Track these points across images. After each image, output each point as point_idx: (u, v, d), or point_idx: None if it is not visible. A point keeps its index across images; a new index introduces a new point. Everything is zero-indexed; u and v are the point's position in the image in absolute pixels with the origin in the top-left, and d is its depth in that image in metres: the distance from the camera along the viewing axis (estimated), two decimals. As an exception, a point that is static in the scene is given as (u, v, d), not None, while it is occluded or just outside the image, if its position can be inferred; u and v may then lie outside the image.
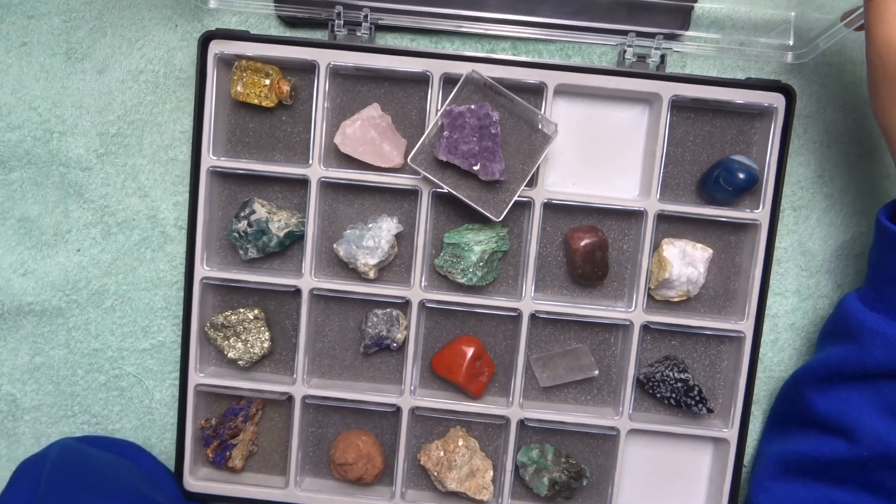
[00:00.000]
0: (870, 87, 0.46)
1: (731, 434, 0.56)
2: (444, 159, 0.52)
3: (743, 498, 0.57)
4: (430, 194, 0.54)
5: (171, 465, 0.58)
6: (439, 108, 0.53)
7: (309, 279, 0.55)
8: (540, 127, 0.53)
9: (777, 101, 0.53)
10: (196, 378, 0.56)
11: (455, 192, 0.52)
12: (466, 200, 0.52)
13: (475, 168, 0.52)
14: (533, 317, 0.56)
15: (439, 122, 0.52)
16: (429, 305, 0.56)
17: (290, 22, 0.56)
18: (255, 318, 0.56)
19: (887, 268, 0.48)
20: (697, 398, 0.55)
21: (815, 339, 0.57)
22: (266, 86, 0.54)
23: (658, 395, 0.56)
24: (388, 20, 0.54)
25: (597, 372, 0.57)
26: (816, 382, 0.51)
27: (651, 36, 0.53)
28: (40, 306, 0.58)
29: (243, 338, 0.56)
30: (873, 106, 0.46)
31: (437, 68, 0.53)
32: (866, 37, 0.45)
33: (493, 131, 0.52)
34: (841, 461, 0.48)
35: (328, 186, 0.56)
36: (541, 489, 0.56)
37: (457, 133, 0.51)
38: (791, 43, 0.54)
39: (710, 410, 0.56)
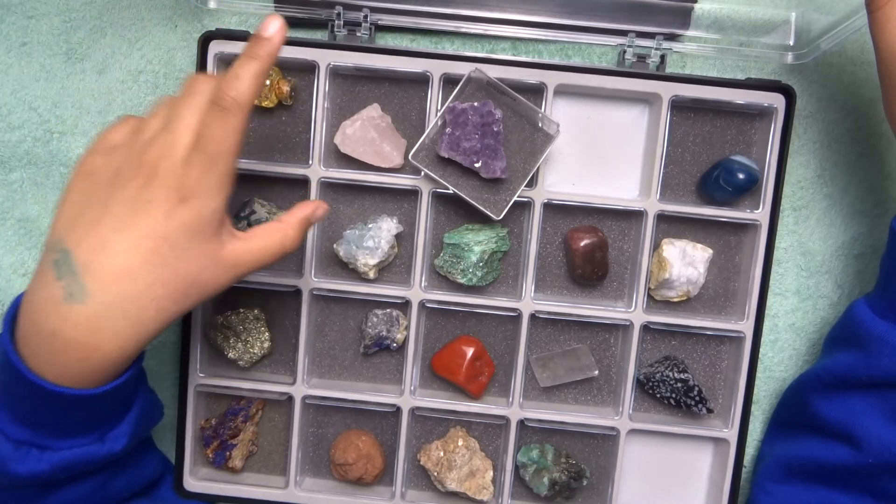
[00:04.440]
0: (882, 92, 0.46)
1: (731, 434, 0.56)
2: (446, 156, 0.52)
3: (743, 499, 0.57)
4: (430, 194, 0.54)
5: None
6: (439, 108, 0.53)
7: (309, 279, 0.55)
8: (542, 126, 0.53)
9: (777, 101, 0.53)
10: (196, 378, 0.56)
11: (456, 190, 0.52)
12: (467, 198, 0.52)
13: (476, 165, 0.52)
14: (533, 317, 0.56)
15: (441, 119, 0.52)
16: (429, 306, 0.56)
17: (290, 22, 0.56)
18: (256, 318, 0.56)
19: None
20: (697, 398, 0.55)
21: (816, 340, 0.57)
22: (266, 86, 0.54)
23: (658, 396, 0.56)
24: (388, 20, 0.54)
25: (597, 372, 0.57)
26: (822, 388, 0.51)
27: (651, 36, 0.53)
28: (40, 306, 0.58)
29: (243, 338, 0.56)
30: (886, 110, 0.47)
31: (437, 68, 0.53)
32: (873, 44, 0.45)
33: (495, 129, 0.52)
34: (845, 467, 0.48)
35: (328, 186, 0.56)
36: (541, 489, 0.56)
37: (459, 130, 0.51)
38: (791, 43, 0.54)
39: (709, 410, 0.56)
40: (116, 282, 0.37)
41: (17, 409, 0.40)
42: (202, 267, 0.39)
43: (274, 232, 0.43)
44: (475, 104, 0.52)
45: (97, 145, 0.41)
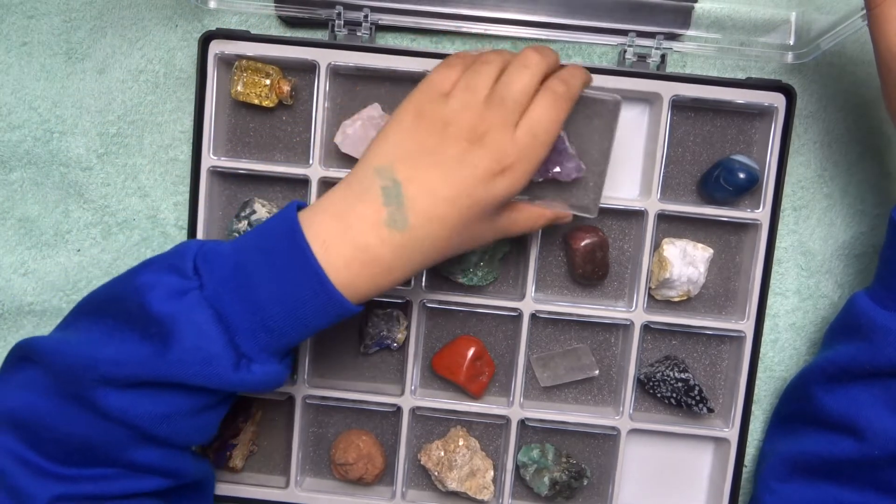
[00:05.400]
0: (882, 89, 0.47)
1: (732, 434, 0.56)
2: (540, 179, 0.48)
3: (744, 499, 0.57)
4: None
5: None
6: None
7: (309, 279, 0.55)
8: (599, 100, 0.48)
9: (777, 100, 0.53)
10: (196, 378, 0.56)
11: (541, 203, 0.48)
12: (559, 208, 0.48)
13: (556, 171, 0.48)
14: (533, 317, 0.56)
15: None
16: (429, 305, 0.56)
17: (290, 22, 0.56)
18: (256, 318, 0.56)
19: None
20: (698, 398, 0.55)
21: (816, 339, 0.57)
22: (266, 86, 0.54)
23: (658, 395, 0.56)
24: (388, 20, 0.54)
25: (597, 372, 0.57)
26: (825, 381, 0.51)
27: (651, 36, 0.53)
28: (40, 306, 0.58)
29: (243, 338, 0.56)
30: (886, 106, 0.47)
31: (437, 68, 0.53)
32: (872, 42, 0.45)
33: None
34: (849, 460, 0.48)
35: (329, 186, 0.55)
36: (541, 489, 0.56)
37: None
38: (791, 43, 0.54)
39: (710, 410, 0.56)
40: (430, 223, 0.41)
41: (266, 311, 0.41)
42: (486, 232, 0.44)
43: (534, 213, 0.47)
44: None
45: (428, 87, 0.43)
